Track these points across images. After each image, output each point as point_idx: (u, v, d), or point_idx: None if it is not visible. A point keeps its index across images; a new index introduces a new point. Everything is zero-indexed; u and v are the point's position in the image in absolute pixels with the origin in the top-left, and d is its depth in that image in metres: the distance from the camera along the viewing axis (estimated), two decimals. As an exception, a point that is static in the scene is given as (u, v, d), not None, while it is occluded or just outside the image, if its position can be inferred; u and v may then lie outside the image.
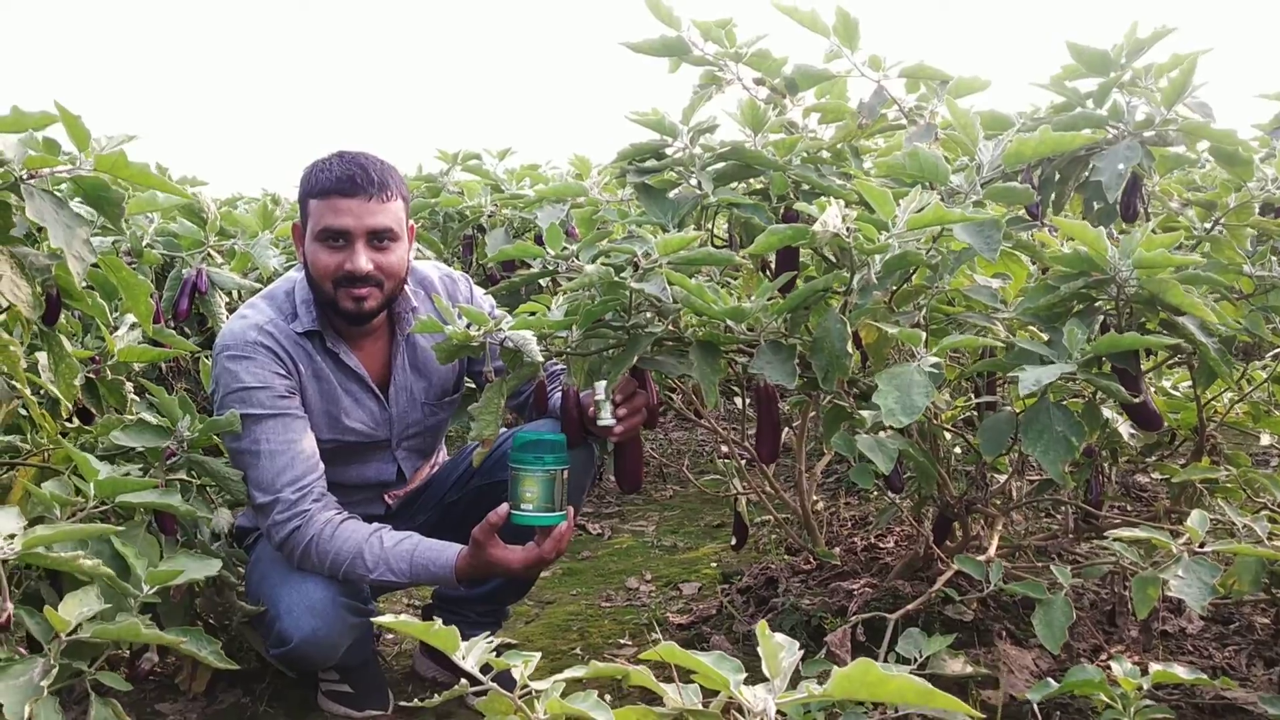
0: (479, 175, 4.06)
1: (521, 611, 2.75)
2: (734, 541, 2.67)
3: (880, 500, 3.21)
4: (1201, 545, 1.53)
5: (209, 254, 2.63)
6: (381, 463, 2.24)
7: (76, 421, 2.24)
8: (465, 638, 2.29)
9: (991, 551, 1.99)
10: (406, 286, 2.17)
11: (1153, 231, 1.78)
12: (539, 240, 3.90)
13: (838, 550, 2.56)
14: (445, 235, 3.99)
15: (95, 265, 1.92)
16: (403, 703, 2.24)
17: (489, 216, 3.79)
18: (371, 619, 2.02)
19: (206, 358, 2.43)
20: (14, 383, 1.98)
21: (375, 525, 2.01)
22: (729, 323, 1.76)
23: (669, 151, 2.13)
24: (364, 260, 2.00)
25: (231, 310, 2.70)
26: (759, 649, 1.06)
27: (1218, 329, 1.80)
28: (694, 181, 2.07)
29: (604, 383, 1.89)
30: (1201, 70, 1.96)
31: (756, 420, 1.88)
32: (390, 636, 2.60)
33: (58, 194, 1.82)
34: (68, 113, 1.81)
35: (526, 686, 1.18)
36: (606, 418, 1.89)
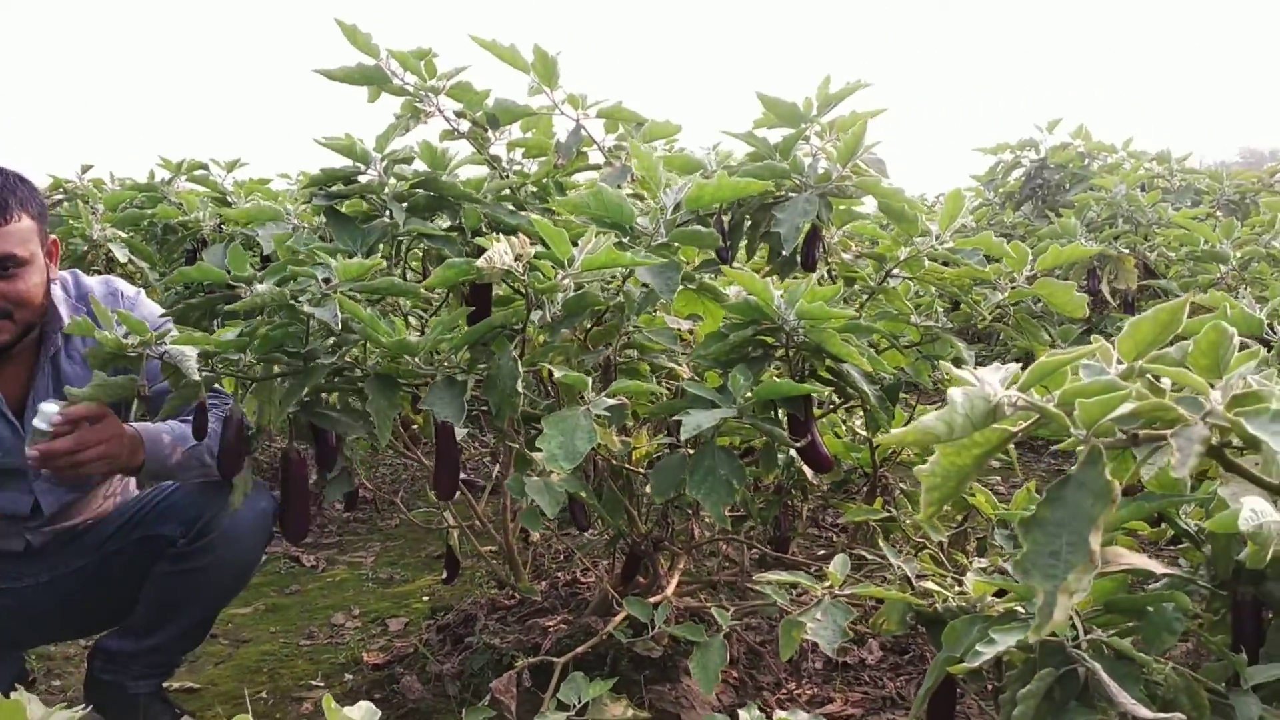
0: (205, 186, 3.85)
1: (214, 651, 2.61)
2: (445, 575, 2.62)
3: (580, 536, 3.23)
4: (843, 587, 1.59)
5: None
6: (15, 493, 2.04)
7: None
8: (130, 692, 2.15)
9: (669, 590, 2.02)
10: (61, 304, 2.02)
11: (824, 282, 1.85)
12: (265, 259, 3.76)
13: (542, 585, 2.55)
14: (164, 247, 3.77)
15: None
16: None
17: (211, 230, 3.61)
18: None
19: None
20: None
21: None
22: (406, 356, 1.71)
23: (362, 179, 2.07)
24: None
25: None
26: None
27: (878, 376, 1.89)
28: (387, 211, 2.01)
29: (54, 405, 1.80)
30: (930, 124, 2.07)
31: (436, 456, 1.84)
32: (57, 683, 2.41)
33: None
34: None
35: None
36: (29, 449, 1.79)
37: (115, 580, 2.13)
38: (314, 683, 2.39)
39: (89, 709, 2.20)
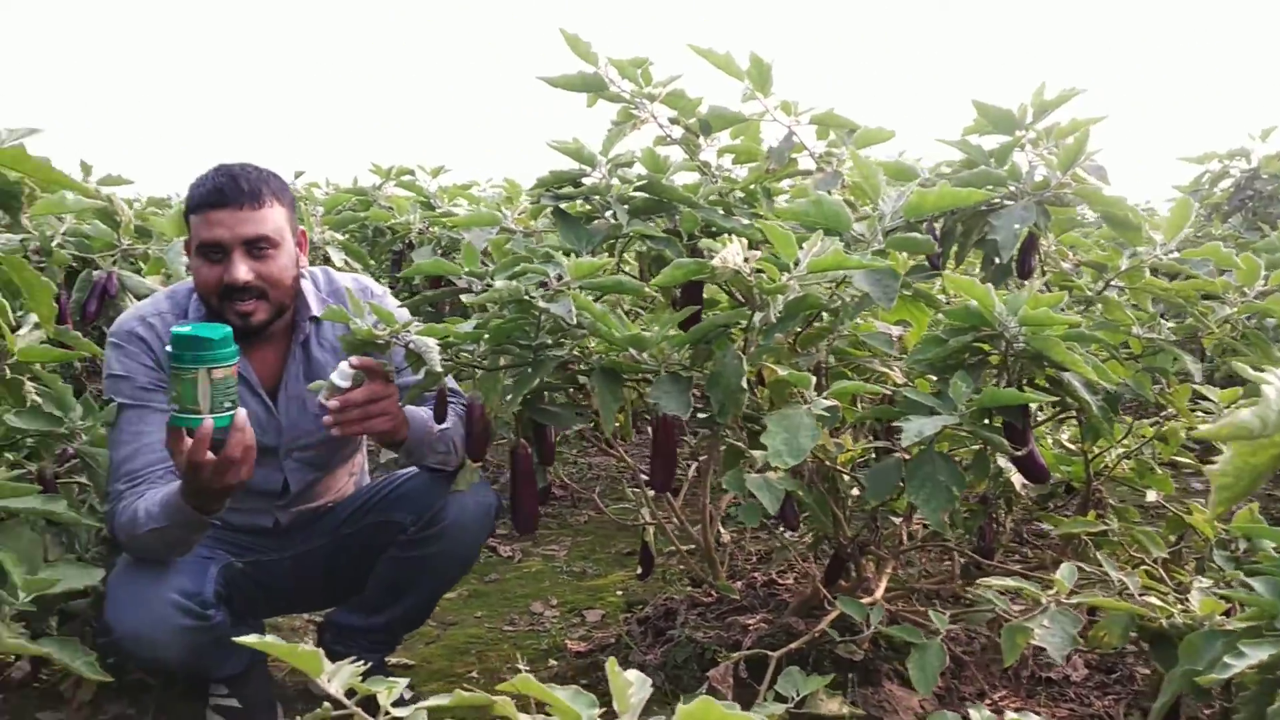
0: (412, 191, 4.07)
1: (424, 633, 2.74)
2: (640, 571, 2.69)
3: (782, 536, 3.25)
4: (1069, 597, 1.58)
5: (120, 257, 2.60)
6: (269, 470, 2.20)
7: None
8: (358, 661, 2.29)
9: (878, 594, 2.03)
10: (311, 295, 2.17)
11: (1041, 290, 1.84)
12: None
13: (738, 584, 2.59)
14: (374, 249, 3.99)
15: (-2, 263, 1.90)
16: (291, 720, 2.25)
17: (419, 233, 3.80)
18: (214, 629, 2.00)
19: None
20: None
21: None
22: (632, 351, 1.78)
23: (587, 181, 2.16)
24: (242, 270, 1.99)
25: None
26: (652, 682, 1.07)
27: (1101, 386, 1.86)
28: (610, 213, 2.10)
29: (346, 365, 1.88)
30: (1124, 132, 2.04)
31: (652, 449, 1.90)
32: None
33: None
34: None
35: (388, 713, 1.18)
36: (325, 401, 1.87)
37: (348, 560, 2.28)
38: (520, 666, 2.49)
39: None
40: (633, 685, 1.01)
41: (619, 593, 3.03)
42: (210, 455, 1.73)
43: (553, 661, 2.51)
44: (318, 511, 2.31)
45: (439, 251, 3.64)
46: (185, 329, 1.74)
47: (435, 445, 2.05)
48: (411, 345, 1.81)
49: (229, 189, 1.98)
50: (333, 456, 2.28)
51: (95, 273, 2.57)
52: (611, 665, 1.01)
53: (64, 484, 2.19)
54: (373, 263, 3.89)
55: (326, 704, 1.24)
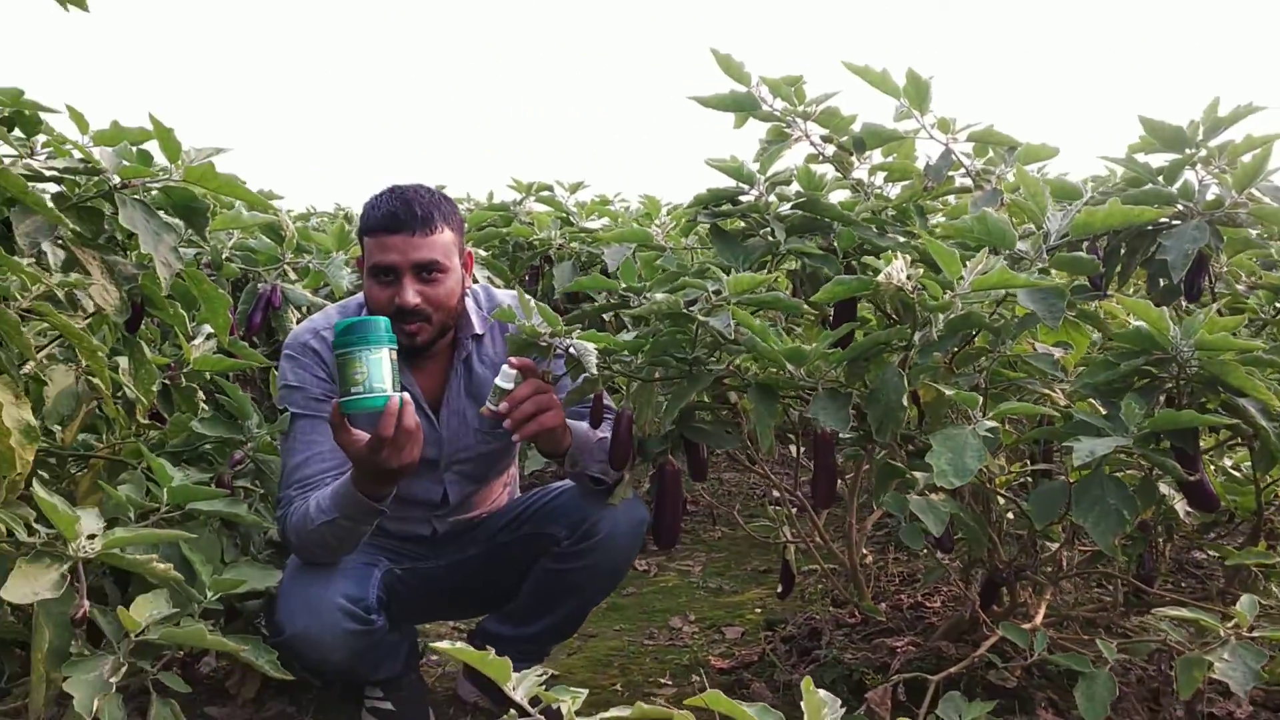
0: (551, 206, 4.14)
1: (565, 644, 2.78)
2: (780, 589, 2.68)
3: (928, 558, 3.20)
4: (1250, 630, 1.52)
5: (284, 270, 2.71)
6: (429, 482, 2.28)
7: (146, 424, 2.32)
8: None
9: (1038, 620, 1.99)
10: (473, 313, 2.23)
11: (1217, 313, 1.78)
12: (605, 274, 3.97)
13: (883, 606, 2.56)
14: (514, 264, 4.06)
15: (180, 275, 2.01)
16: (443, 724, 2.31)
17: (557, 249, 3.86)
18: (376, 633, 2.07)
19: (275, 370, 2.52)
20: (94, 380, 2.06)
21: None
22: (788, 366, 1.78)
23: (743, 199, 2.17)
24: (411, 294, 2.06)
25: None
26: (801, 702, 1.08)
27: (1276, 413, 1.79)
28: (766, 230, 2.11)
29: (506, 367, 1.92)
30: None
31: (814, 465, 1.90)
32: (434, 659, 2.64)
33: (148, 203, 1.90)
34: (161, 125, 1.90)
35: (571, 722, 1.21)
36: (491, 405, 1.92)
37: (500, 570, 2.33)
38: (663, 680, 2.51)
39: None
40: (826, 705, 1.02)
41: (757, 610, 3.03)
42: (391, 432, 1.80)
43: (696, 677, 2.51)
44: (473, 521, 2.36)
45: (579, 267, 3.69)
46: (351, 319, 1.85)
47: (595, 453, 2.08)
48: (572, 349, 1.84)
49: (403, 214, 2.05)
50: (489, 469, 2.34)
51: (260, 285, 2.68)
52: (807, 684, 1.02)
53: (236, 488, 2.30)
54: (512, 278, 3.96)
55: (512, 711, 1.28)
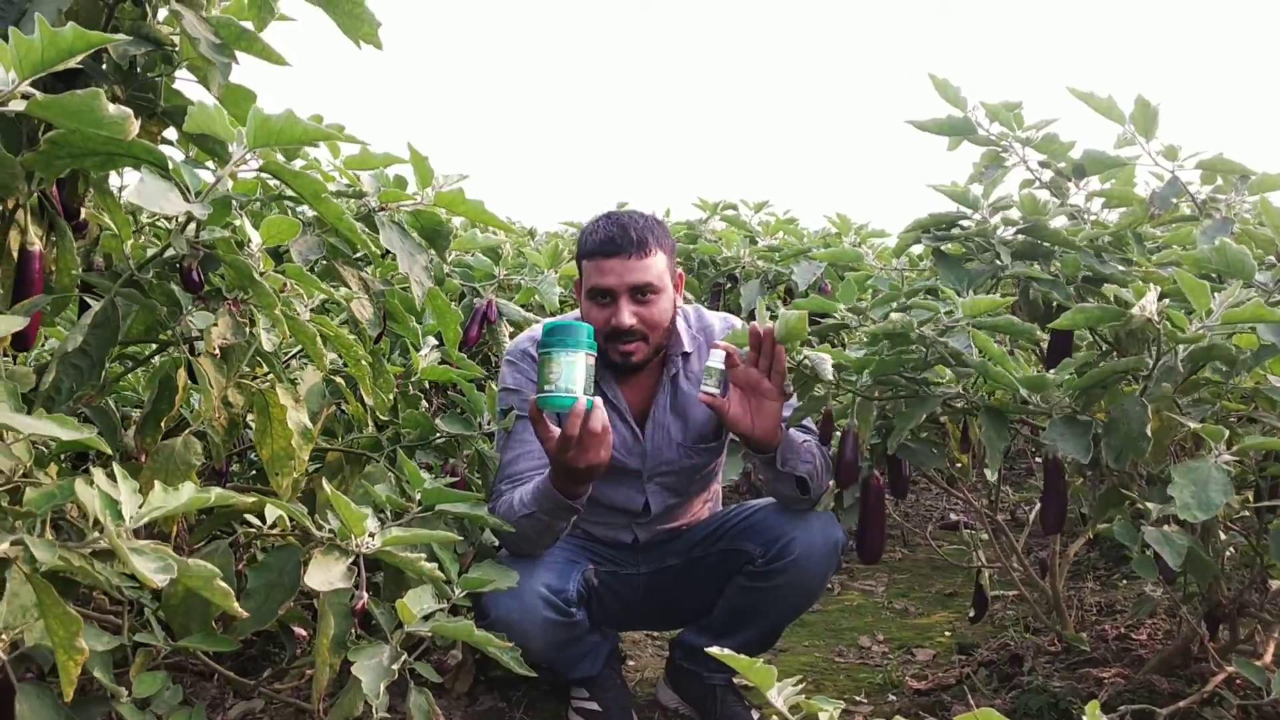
0: (735, 225, 4.21)
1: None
2: (972, 613, 2.68)
3: (1127, 588, 3.14)
4: None
5: (499, 286, 2.84)
6: (631, 490, 2.36)
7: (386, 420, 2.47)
8: (708, 682, 2.39)
9: (1268, 658, 1.94)
10: (683, 331, 2.31)
11: None
12: (789, 293, 4.01)
13: (1085, 635, 2.52)
14: (699, 281, 4.14)
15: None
16: (646, 728, 2.38)
17: (742, 267, 3.92)
18: (575, 626, 2.18)
19: (488, 381, 2.65)
20: (338, 380, 2.21)
21: None
22: (1023, 392, 1.79)
23: (964, 223, 2.19)
24: (627, 315, 2.15)
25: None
26: None
27: None
28: (987, 254, 2.12)
29: (712, 351, 2.01)
30: None
31: (1044, 490, 1.90)
32: (632, 664, 2.72)
33: (403, 225, 2.04)
34: (417, 153, 2.03)
35: (831, 731, 1.26)
36: (710, 386, 2.00)
37: (696, 582, 2.39)
38: (859, 698, 2.53)
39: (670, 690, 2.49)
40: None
41: (946, 633, 3.01)
42: (576, 432, 1.89)
43: (891, 696, 2.52)
44: (673, 532, 2.43)
45: (766, 286, 3.74)
46: (557, 321, 1.94)
47: (804, 455, 2.12)
48: (804, 361, 1.90)
49: (620, 239, 2.14)
50: (691, 483, 2.41)
51: (476, 300, 2.81)
52: (1093, 708, 1.04)
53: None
54: (693, 296, 4.03)
55: (775, 717, 1.33)
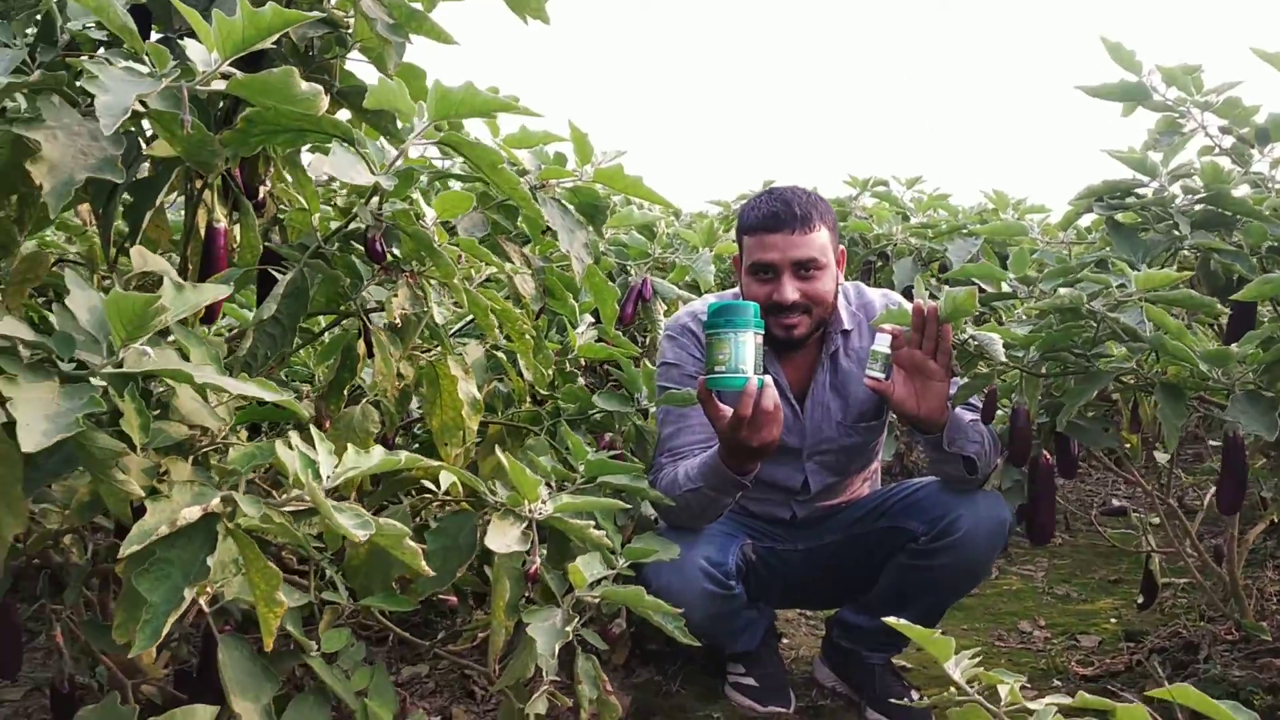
0: (886, 201, 4.13)
1: (911, 638, 2.78)
2: (1140, 600, 2.58)
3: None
4: None
5: (653, 265, 2.86)
6: (790, 468, 2.34)
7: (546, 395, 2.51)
8: (867, 661, 2.37)
9: None
10: (843, 309, 2.28)
11: None
12: (943, 270, 3.91)
13: (1265, 625, 2.41)
14: (849, 259, 4.08)
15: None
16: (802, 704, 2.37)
17: (894, 245, 3.85)
18: (734, 599, 2.18)
19: (642, 359, 2.67)
20: (499, 355, 2.26)
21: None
22: (1203, 367, 1.72)
23: (1141, 191, 2.11)
24: (790, 290, 2.13)
25: (667, 317, 2.93)
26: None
27: None
28: (1165, 225, 2.04)
29: (885, 338, 1.99)
30: None
31: (1221, 471, 1.82)
32: (786, 641, 2.72)
33: (563, 202, 2.07)
34: (577, 130, 2.05)
35: (1016, 704, 1.23)
36: (875, 370, 1.99)
37: (855, 560, 2.36)
38: (1024, 685, 2.46)
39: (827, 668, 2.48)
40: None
41: (1112, 620, 2.91)
42: (749, 412, 1.88)
43: (1056, 681, 2.46)
44: (832, 509, 2.41)
45: (919, 263, 3.67)
46: (724, 301, 1.94)
47: (970, 434, 2.07)
48: (971, 340, 1.85)
49: (783, 214, 2.13)
50: (850, 462, 2.38)
51: (630, 279, 2.83)
52: None
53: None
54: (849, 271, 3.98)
55: (951, 690, 1.32)
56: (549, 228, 1.96)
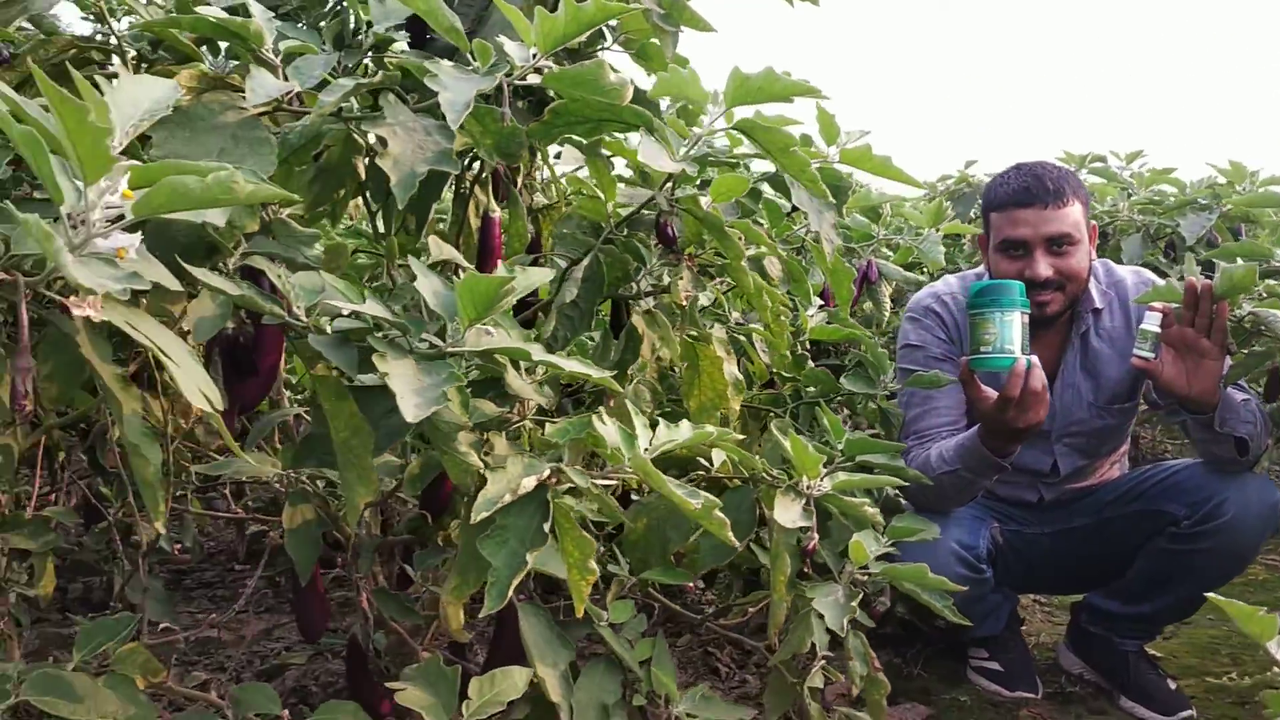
0: (1103, 178, 3.99)
1: (1154, 626, 2.69)
2: None
3: None
4: None
5: (878, 247, 2.84)
6: (1039, 451, 2.30)
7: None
8: (1119, 648, 2.30)
9: None
10: (1093, 287, 2.22)
11: None
12: (1171, 247, 3.76)
13: None
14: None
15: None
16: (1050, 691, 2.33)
17: (1118, 221, 3.71)
18: (984, 583, 2.17)
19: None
20: (738, 337, 2.30)
21: None
22: None
23: None
24: (1043, 267, 2.09)
25: (894, 300, 2.91)
26: None
27: None
28: None
29: (1147, 313, 1.94)
30: None
31: None
32: (1026, 629, 2.67)
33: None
34: (824, 111, 2.05)
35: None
36: (1144, 350, 1.94)
37: (1105, 544, 2.30)
38: (1290, 677, 2.36)
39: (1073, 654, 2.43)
40: None
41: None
42: (1017, 393, 1.86)
43: (1325, 675, 2.34)
44: (1081, 492, 2.35)
45: (1149, 240, 3.53)
46: (988, 281, 1.92)
47: (1243, 414, 1.99)
48: (1250, 317, 1.79)
49: (1035, 188, 2.09)
50: (1101, 444, 2.32)
51: (855, 261, 2.83)
52: None
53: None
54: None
55: (1275, 669, 1.28)
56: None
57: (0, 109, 0.84)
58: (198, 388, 0.92)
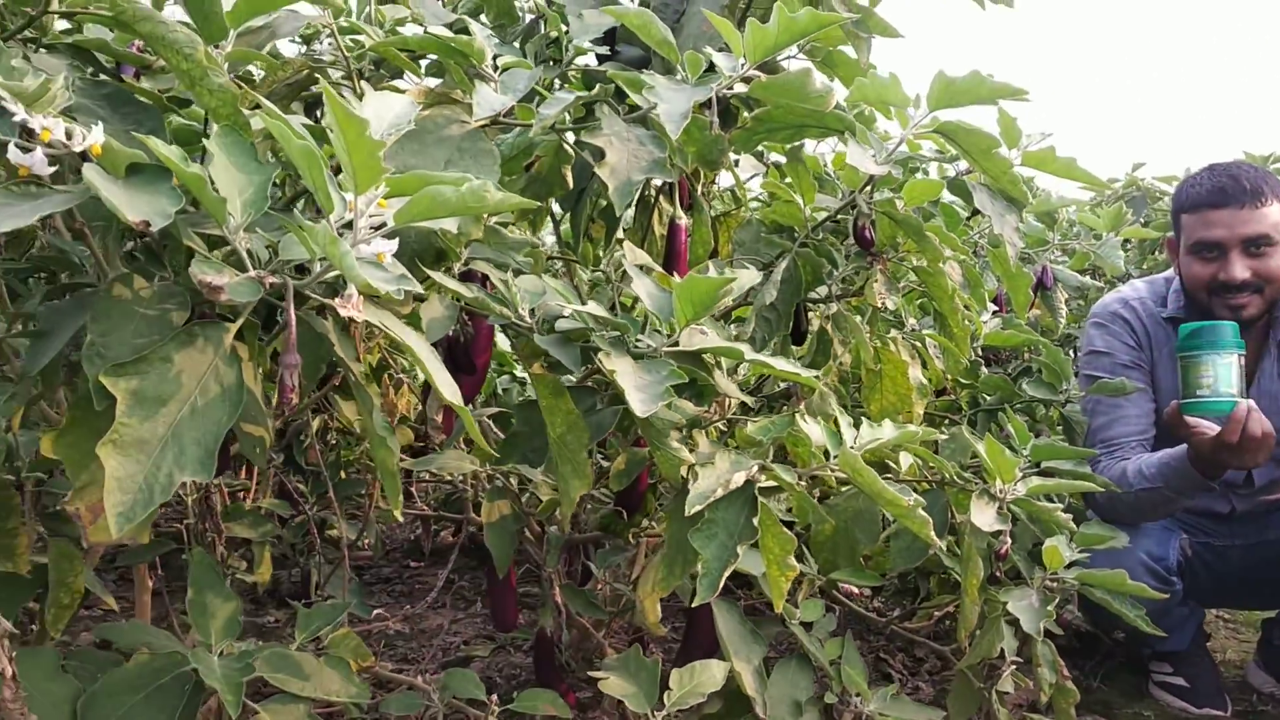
0: None
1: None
2: None
3: None
4: None
5: (1053, 251, 2.79)
6: None
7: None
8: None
9: None
10: None
11: None
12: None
13: None
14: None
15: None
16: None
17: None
18: (1173, 596, 2.11)
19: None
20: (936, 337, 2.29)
21: None
22: None
23: None
24: (1239, 269, 2.03)
25: (1068, 306, 2.86)
26: None
27: None
28: None
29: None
30: None
31: None
32: (1211, 644, 2.58)
33: (991, 187, 2.07)
34: (1005, 114, 2.02)
35: None
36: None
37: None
38: None
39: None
40: None
41: None
42: (1236, 439, 1.81)
43: None
44: (1275, 504, 2.27)
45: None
46: (1200, 323, 1.88)
47: None
48: None
49: (1230, 188, 2.03)
50: None
51: (1030, 267, 2.78)
52: None
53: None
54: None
55: None
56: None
57: (280, 128, 0.92)
58: (448, 384, 0.99)
